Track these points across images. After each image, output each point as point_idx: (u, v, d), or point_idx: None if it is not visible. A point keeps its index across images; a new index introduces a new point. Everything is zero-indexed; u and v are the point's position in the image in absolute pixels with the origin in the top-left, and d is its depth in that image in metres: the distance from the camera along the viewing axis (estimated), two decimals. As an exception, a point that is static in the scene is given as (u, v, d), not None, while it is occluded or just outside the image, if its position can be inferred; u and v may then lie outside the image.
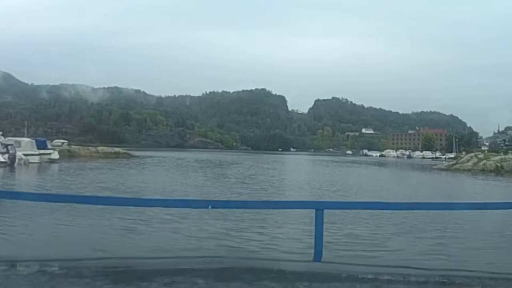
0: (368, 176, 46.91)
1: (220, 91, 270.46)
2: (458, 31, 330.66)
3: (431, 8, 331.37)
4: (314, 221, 2.97)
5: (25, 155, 41.58)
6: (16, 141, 44.89)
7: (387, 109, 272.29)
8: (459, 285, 1.51)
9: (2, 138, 45.62)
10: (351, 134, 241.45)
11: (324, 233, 2.91)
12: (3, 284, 1.25)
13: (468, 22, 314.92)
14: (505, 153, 65.95)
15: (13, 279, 1.38)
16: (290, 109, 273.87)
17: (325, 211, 2.99)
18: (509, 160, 54.71)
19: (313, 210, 3.00)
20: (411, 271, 1.72)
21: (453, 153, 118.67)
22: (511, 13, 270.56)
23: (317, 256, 2.83)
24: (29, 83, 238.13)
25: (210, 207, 3.60)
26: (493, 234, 11.54)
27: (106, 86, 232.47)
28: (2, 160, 37.48)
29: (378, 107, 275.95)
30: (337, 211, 7.76)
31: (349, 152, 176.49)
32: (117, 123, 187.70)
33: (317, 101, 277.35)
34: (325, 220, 2.95)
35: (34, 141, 50.37)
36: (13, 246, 9.04)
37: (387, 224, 12.94)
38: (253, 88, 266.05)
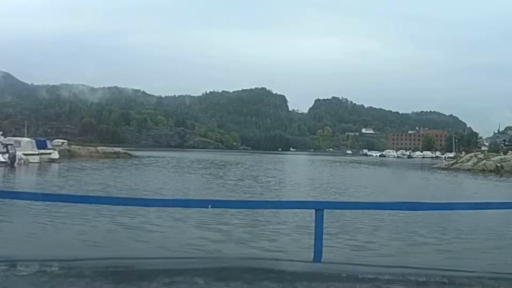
0: (371, 176, 46.92)
1: (220, 91, 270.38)
2: (458, 30, 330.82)
3: (431, 8, 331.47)
4: (313, 221, 2.97)
5: (25, 154, 41.58)
6: (16, 141, 44.87)
7: (387, 109, 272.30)
8: (459, 285, 1.50)
9: (2, 138, 45.60)
10: (351, 134, 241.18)
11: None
12: (3, 284, 1.25)
13: (468, 21, 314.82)
14: (505, 153, 65.91)
15: (13, 279, 1.37)
16: (290, 109, 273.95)
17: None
18: (509, 160, 54.73)
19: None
20: (411, 271, 1.71)
21: (453, 153, 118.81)
22: (511, 12, 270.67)
23: (317, 256, 2.83)
24: (29, 83, 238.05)
25: (210, 206, 3.59)
26: (493, 234, 11.55)
27: (106, 86, 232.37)
28: (2, 160, 37.46)
29: (378, 107, 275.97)
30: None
31: (349, 152, 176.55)
32: (117, 123, 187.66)
33: (317, 101, 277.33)
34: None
35: (34, 141, 50.38)
36: (13, 246, 9.03)
37: (386, 224, 12.94)
38: (253, 88, 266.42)
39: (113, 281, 1.37)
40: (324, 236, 2.90)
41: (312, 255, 2.83)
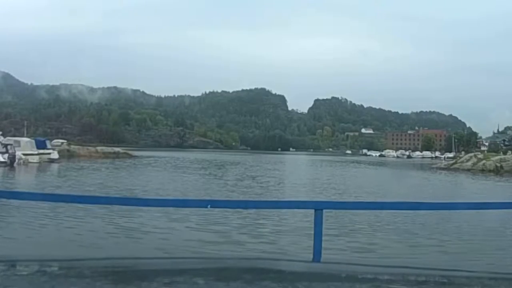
0: (371, 175, 46.92)
1: (219, 91, 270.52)
2: (458, 30, 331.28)
3: (431, 8, 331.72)
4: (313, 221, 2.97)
5: (24, 154, 41.57)
6: (15, 141, 44.86)
7: (386, 109, 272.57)
8: (459, 285, 1.50)
9: (2, 138, 45.61)
10: (351, 134, 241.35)
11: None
12: (3, 284, 1.25)
13: (467, 21, 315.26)
14: (505, 153, 65.91)
15: (13, 279, 1.37)
16: (290, 109, 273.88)
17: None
18: (508, 160, 54.72)
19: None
20: (411, 271, 1.71)
21: (452, 153, 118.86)
22: (510, 12, 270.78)
23: (317, 256, 2.83)
24: (29, 83, 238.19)
25: (209, 206, 3.59)
26: (493, 234, 11.55)
27: (105, 86, 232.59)
28: (2, 160, 37.46)
29: (377, 107, 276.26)
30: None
31: (348, 152, 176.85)
32: (116, 123, 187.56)
33: (316, 100, 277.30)
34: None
35: (33, 141, 50.36)
36: (13, 246, 9.03)
37: (386, 224, 12.94)
38: (253, 88, 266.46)
39: (113, 281, 1.37)
40: (323, 237, 2.90)
41: (311, 255, 2.82)
